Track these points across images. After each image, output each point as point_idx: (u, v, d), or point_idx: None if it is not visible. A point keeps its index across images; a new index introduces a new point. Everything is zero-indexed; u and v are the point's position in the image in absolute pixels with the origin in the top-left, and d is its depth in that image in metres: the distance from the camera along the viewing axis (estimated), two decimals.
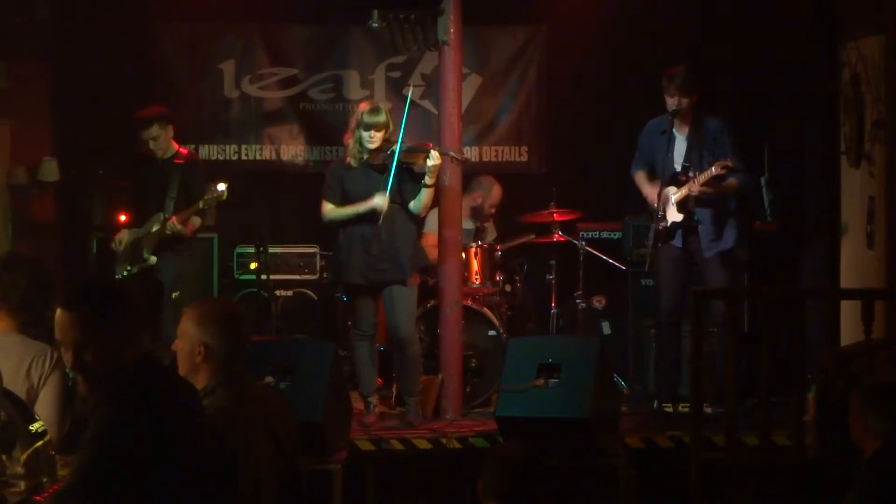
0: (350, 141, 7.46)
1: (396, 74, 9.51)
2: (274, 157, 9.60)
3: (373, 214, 7.35)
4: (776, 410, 6.38)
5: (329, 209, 7.53)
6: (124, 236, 8.15)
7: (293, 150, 9.61)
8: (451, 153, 7.56)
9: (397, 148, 7.32)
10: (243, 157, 9.59)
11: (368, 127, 7.34)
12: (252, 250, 8.69)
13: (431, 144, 7.50)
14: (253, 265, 8.77)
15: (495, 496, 3.87)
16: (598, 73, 9.30)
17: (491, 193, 8.79)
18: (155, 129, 8.04)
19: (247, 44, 9.57)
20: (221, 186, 7.90)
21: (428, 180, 7.38)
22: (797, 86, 8.84)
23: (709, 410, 7.05)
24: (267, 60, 9.55)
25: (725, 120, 7.67)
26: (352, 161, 7.44)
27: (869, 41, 7.96)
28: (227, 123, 9.60)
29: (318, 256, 9.03)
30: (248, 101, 9.60)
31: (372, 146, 7.37)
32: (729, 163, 7.35)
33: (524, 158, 9.62)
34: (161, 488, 3.43)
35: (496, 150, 9.60)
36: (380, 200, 7.32)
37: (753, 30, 8.92)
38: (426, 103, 9.28)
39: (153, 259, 8.03)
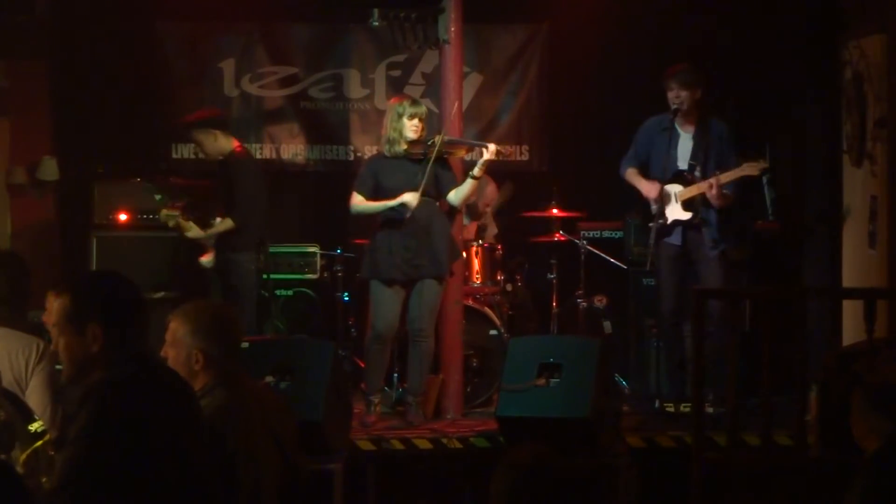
0: (385, 134, 7.49)
1: (397, 73, 9.50)
2: (274, 156, 9.58)
3: (401, 211, 7.35)
4: (778, 410, 6.36)
5: (358, 201, 7.53)
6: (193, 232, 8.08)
7: (293, 149, 9.59)
8: (500, 151, 7.57)
9: (440, 138, 7.35)
10: None
11: (413, 116, 7.41)
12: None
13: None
14: None
15: (502, 501, 3.83)
16: (599, 71, 9.28)
17: (485, 192, 8.76)
18: (196, 136, 8.06)
19: (247, 42, 9.55)
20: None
21: (476, 172, 7.44)
22: (799, 84, 8.83)
23: (710, 410, 7.04)
24: (267, 59, 9.53)
25: (730, 125, 7.66)
26: (389, 153, 7.45)
27: (871, 40, 7.95)
28: (227, 122, 9.56)
29: (318, 256, 9.00)
30: (248, 99, 9.58)
31: (415, 136, 7.39)
32: (764, 164, 7.37)
33: (525, 157, 9.61)
34: (150, 488, 3.39)
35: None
36: (409, 198, 7.32)
37: (755, 29, 8.90)
38: (427, 102, 9.25)
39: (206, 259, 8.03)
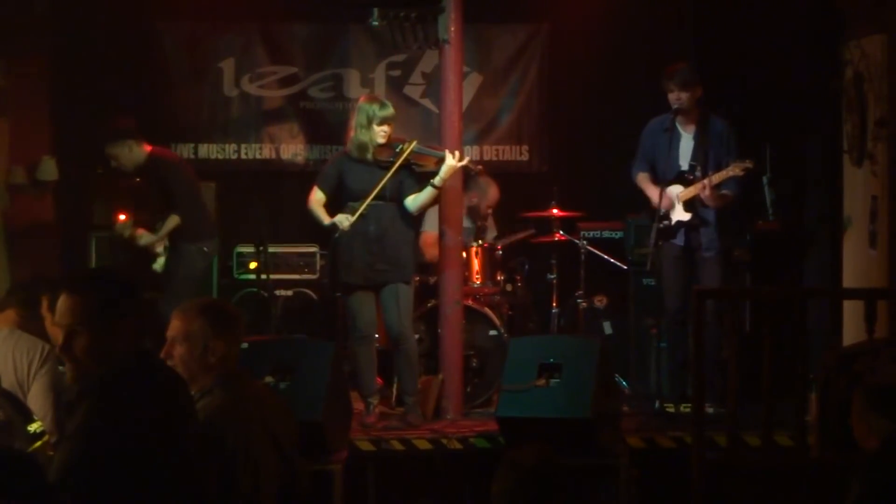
0: (353, 135, 7.41)
1: (397, 73, 9.50)
2: (274, 156, 9.57)
3: (365, 210, 7.31)
4: (778, 410, 6.36)
5: (316, 199, 7.48)
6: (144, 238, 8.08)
7: (293, 148, 9.59)
8: (468, 164, 7.52)
9: (409, 147, 7.30)
10: (243, 156, 9.56)
11: (382, 122, 7.32)
12: (252, 250, 8.67)
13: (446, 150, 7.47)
14: (253, 265, 8.75)
15: (504, 502, 3.84)
16: (599, 71, 9.28)
17: (487, 194, 8.74)
18: (110, 150, 8.01)
19: (247, 42, 9.54)
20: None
21: (437, 182, 7.36)
22: (800, 84, 8.82)
23: (710, 410, 7.03)
24: (267, 59, 9.53)
25: (730, 122, 7.67)
26: (356, 155, 7.39)
27: (872, 40, 7.94)
28: (227, 122, 9.57)
29: (317, 256, 9.01)
30: (247, 99, 9.58)
31: (384, 141, 7.34)
32: (749, 164, 7.35)
33: (525, 157, 9.60)
34: (147, 486, 3.38)
35: (497, 150, 9.58)
36: (342, 220, 7.31)
37: (755, 28, 8.89)
38: (427, 102, 9.27)
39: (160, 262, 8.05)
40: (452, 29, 7.69)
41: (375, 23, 7.74)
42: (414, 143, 7.35)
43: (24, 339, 5.44)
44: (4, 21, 8.51)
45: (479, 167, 7.70)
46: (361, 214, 7.28)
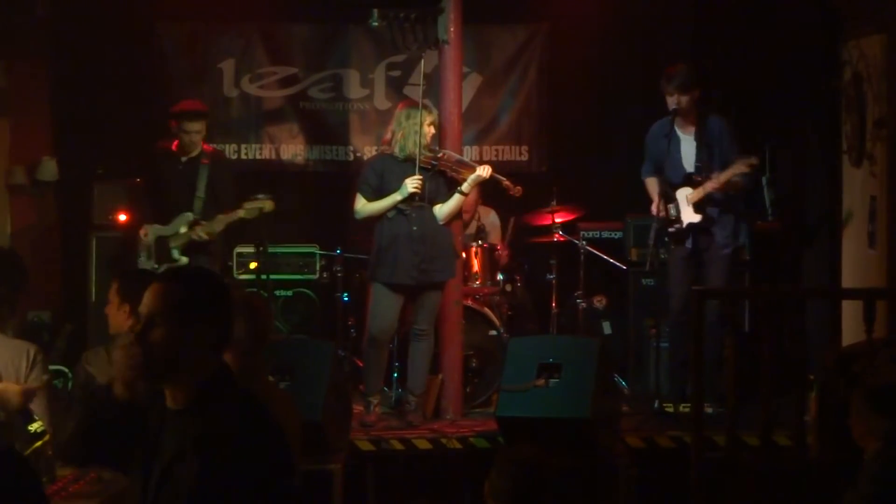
0: (395, 140, 7.46)
1: (396, 73, 9.50)
2: (274, 156, 9.58)
3: (408, 211, 7.38)
4: (777, 410, 6.36)
5: (362, 204, 7.52)
6: (150, 232, 8.08)
7: (293, 149, 9.60)
8: (503, 178, 7.60)
9: (449, 154, 7.48)
10: (243, 157, 9.57)
11: (431, 123, 7.47)
12: (252, 250, 8.67)
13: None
14: (253, 265, 8.75)
15: (502, 498, 3.84)
16: (599, 71, 9.29)
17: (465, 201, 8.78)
18: (199, 124, 8.05)
19: (246, 43, 9.55)
20: (266, 201, 7.96)
21: (465, 188, 7.48)
22: (799, 84, 8.83)
23: (710, 410, 7.04)
24: (267, 59, 9.53)
25: (726, 118, 7.69)
26: (402, 155, 7.44)
27: (870, 40, 7.95)
28: (227, 122, 9.57)
29: (317, 256, 9.01)
30: (247, 100, 9.58)
31: (429, 140, 7.45)
32: (754, 160, 7.37)
33: (524, 158, 9.61)
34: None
35: (496, 150, 9.58)
36: (408, 184, 7.35)
37: (754, 28, 8.90)
38: (427, 103, 9.25)
39: (184, 259, 8.00)
40: (452, 29, 7.71)
41: (375, 23, 7.76)
42: (451, 152, 7.52)
43: (8, 344, 5.40)
44: (4, 22, 8.52)
45: (518, 188, 7.70)
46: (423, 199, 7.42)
